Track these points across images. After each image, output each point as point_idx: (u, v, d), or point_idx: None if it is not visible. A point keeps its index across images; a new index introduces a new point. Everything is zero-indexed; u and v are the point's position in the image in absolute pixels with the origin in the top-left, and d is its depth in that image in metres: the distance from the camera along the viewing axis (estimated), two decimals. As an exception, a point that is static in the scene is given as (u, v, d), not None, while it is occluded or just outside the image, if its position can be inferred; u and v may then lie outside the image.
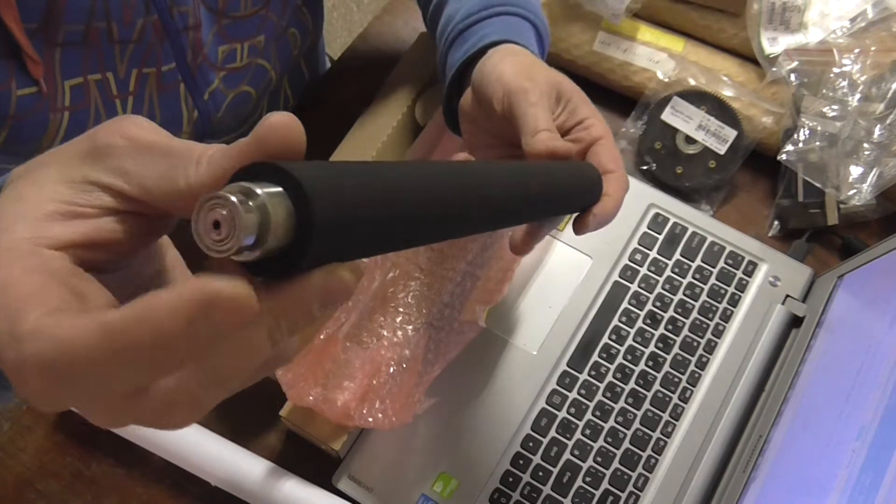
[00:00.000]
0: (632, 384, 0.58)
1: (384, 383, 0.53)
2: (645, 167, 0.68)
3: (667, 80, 0.69)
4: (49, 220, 0.22)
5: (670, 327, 0.60)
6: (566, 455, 0.56)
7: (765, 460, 0.54)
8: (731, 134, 0.67)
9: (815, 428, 0.50)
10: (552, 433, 0.57)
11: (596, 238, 0.63)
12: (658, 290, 0.62)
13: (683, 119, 0.67)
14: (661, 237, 0.63)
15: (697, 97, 0.68)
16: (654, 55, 0.70)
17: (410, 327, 0.56)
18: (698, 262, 0.63)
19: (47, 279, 0.21)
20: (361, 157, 0.60)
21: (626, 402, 0.58)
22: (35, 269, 0.21)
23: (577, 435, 0.57)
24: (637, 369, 0.59)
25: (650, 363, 0.59)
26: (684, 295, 0.61)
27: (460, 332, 0.56)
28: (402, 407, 0.52)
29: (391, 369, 0.53)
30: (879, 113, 0.63)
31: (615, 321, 0.60)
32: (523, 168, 0.36)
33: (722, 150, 0.67)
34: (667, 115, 0.68)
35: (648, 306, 0.61)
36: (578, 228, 0.43)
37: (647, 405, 0.58)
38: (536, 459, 0.56)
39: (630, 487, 0.56)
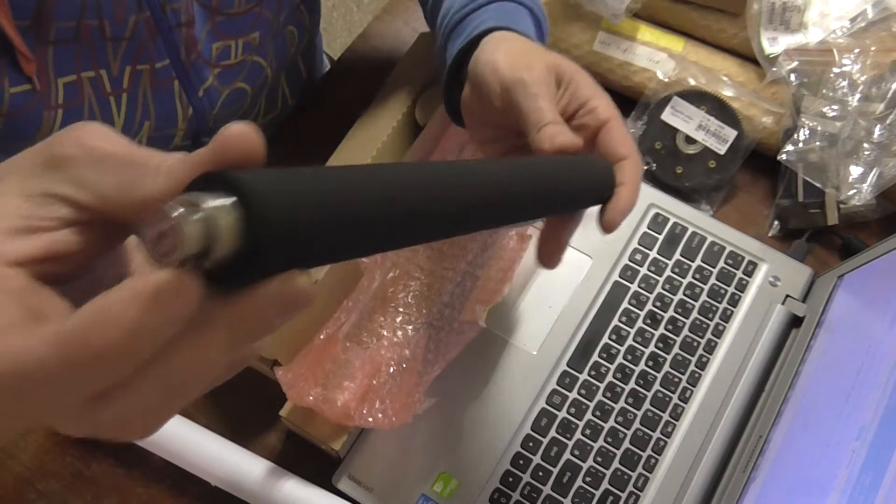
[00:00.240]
0: (632, 384, 0.58)
1: (384, 383, 0.53)
2: (645, 167, 0.68)
3: (667, 80, 0.69)
4: (7, 237, 0.22)
5: (670, 327, 0.60)
6: (566, 455, 0.56)
7: (765, 460, 0.54)
8: (731, 134, 0.67)
9: (815, 428, 0.50)
10: (552, 433, 0.57)
11: (596, 238, 0.63)
12: (658, 290, 0.62)
13: (683, 119, 0.67)
14: (661, 237, 0.63)
15: (697, 97, 0.68)
16: (654, 55, 0.70)
17: (410, 327, 0.56)
18: (698, 262, 0.63)
19: (1, 298, 0.21)
20: (361, 158, 0.59)
21: (626, 402, 0.58)
22: None
23: (577, 435, 0.57)
24: (637, 369, 0.59)
25: (650, 363, 0.59)
26: (684, 295, 0.61)
27: (460, 332, 0.56)
28: (402, 407, 0.52)
29: (391, 369, 0.53)
30: (879, 113, 0.63)
31: (615, 321, 0.60)
32: (513, 168, 0.35)
33: (722, 150, 0.67)
34: (667, 115, 0.68)
35: (648, 306, 0.61)
36: (607, 227, 0.40)
37: (647, 405, 0.58)
38: (536, 459, 0.56)
39: (630, 487, 0.56)
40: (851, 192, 0.62)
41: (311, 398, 0.51)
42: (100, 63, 0.49)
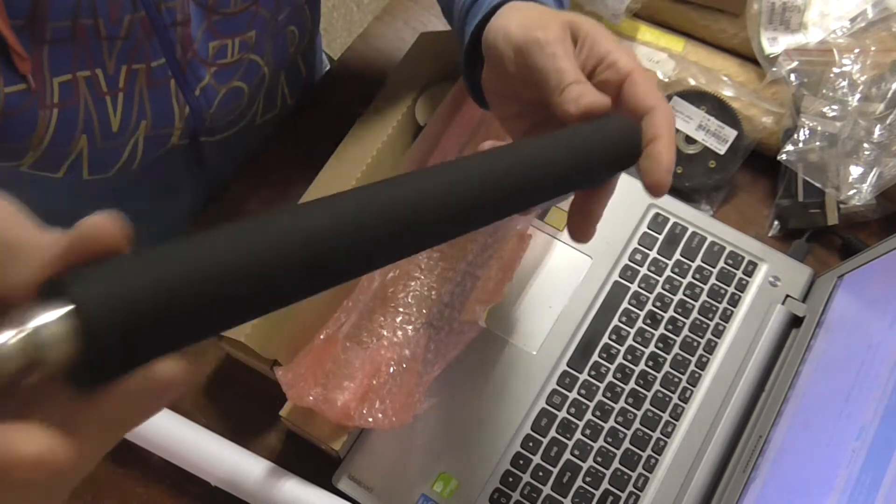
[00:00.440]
0: (632, 384, 0.58)
1: (384, 383, 0.53)
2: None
3: (667, 80, 0.69)
4: None
5: (670, 327, 0.60)
6: (566, 455, 0.56)
7: (765, 460, 0.54)
8: (731, 134, 0.67)
9: (815, 428, 0.50)
10: (552, 433, 0.57)
11: (596, 238, 0.63)
12: (658, 290, 0.62)
13: (683, 119, 0.67)
14: (661, 237, 0.63)
15: (697, 97, 0.68)
16: (654, 55, 0.70)
17: (410, 327, 0.56)
18: (698, 262, 0.63)
19: None
20: (361, 158, 0.59)
21: (626, 402, 0.58)
22: None
23: (577, 435, 0.57)
24: (637, 369, 0.59)
25: (650, 363, 0.59)
26: (684, 295, 0.61)
27: (460, 332, 0.56)
28: (402, 407, 0.52)
29: (391, 369, 0.53)
30: (879, 113, 0.63)
31: (615, 321, 0.60)
32: (486, 165, 0.32)
33: (722, 150, 0.67)
34: (667, 115, 0.68)
35: (648, 306, 0.61)
36: (656, 189, 0.37)
37: (647, 405, 0.58)
38: (536, 459, 0.56)
39: (630, 487, 0.56)
40: (851, 192, 0.62)
41: (311, 398, 0.51)
42: (95, 62, 0.49)
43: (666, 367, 0.59)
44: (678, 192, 0.67)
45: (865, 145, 0.63)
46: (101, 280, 0.21)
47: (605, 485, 0.56)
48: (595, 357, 0.59)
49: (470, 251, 0.59)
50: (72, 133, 0.51)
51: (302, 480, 0.53)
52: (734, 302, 0.61)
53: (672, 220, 0.64)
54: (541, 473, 0.56)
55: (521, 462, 0.56)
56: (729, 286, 0.62)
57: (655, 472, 0.56)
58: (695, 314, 0.61)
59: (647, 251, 0.63)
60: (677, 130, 0.68)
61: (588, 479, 0.56)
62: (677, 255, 0.63)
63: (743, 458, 0.56)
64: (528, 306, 0.61)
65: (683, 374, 0.59)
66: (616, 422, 0.57)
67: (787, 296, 0.62)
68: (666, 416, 0.58)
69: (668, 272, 0.62)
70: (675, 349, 0.60)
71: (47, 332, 0.20)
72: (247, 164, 0.68)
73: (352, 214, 0.26)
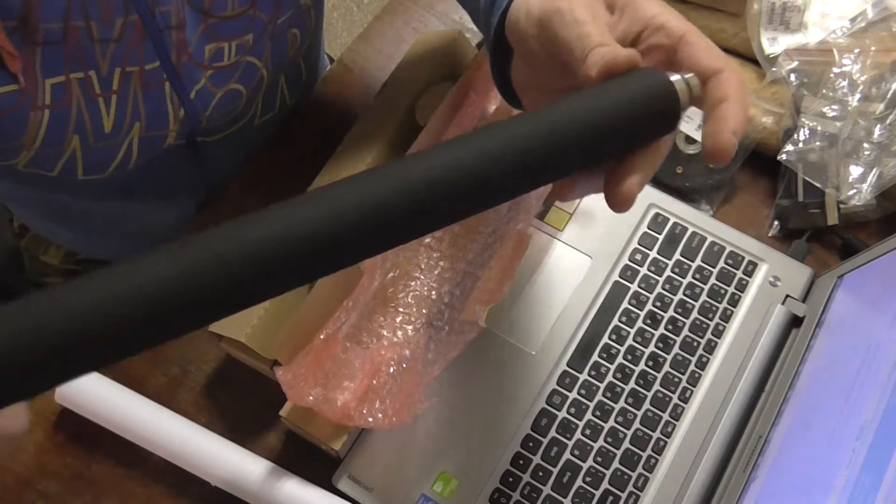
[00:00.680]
0: (632, 384, 0.58)
1: (384, 383, 0.53)
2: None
3: (667, 80, 0.69)
4: None
5: (670, 327, 0.60)
6: (566, 455, 0.56)
7: (765, 460, 0.54)
8: (731, 134, 0.67)
9: (816, 428, 0.50)
10: (552, 433, 0.57)
11: (596, 238, 0.63)
12: (658, 290, 0.62)
13: (683, 119, 0.67)
14: (661, 237, 0.63)
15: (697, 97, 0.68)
16: (654, 55, 0.70)
17: (410, 327, 0.56)
18: (698, 262, 0.63)
19: None
20: (361, 159, 0.59)
21: (626, 402, 0.58)
22: None
23: (577, 435, 0.57)
24: (637, 369, 0.59)
25: (650, 363, 0.59)
26: (684, 295, 0.61)
27: (460, 332, 0.56)
28: (402, 407, 0.52)
29: (391, 369, 0.53)
30: (879, 113, 0.63)
31: (615, 321, 0.60)
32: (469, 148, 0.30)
33: (722, 150, 0.66)
34: (667, 115, 0.68)
35: (648, 306, 0.61)
36: (718, 154, 0.33)
37: (647, 405, 0.58)
38: (536, 459, 0.56)
39: (630, 487, 0.56)
40: (851, 192, 0.62)
41: (311, 398, 0.51)
42: (89, 64, 0.49)
43: (666, 367, 0.59)
44: (678, 192, 0.67)
45: (865, 145, 0.63)
46: None
47: (605, 485, 0.56)
48: (595, 357, 0.59)
49: (470, 251, 0.59)
50: (64, 133, 0.51)
51: (302, 480, 0.53)
52: (734, 302, 0.61)
53: (672, 220, 0.64)
54: (541, 473, 0.56)
55: (521, 462, 0.56)
56: (729, 286, 0.62)
57: (655, 472, 0.56)
58: (695, 314, 0.61)
59: (647, 251, 0.63)
60: (678, 130, 0.67)
61: (588, 479, 0.56)
62: (677, 255, 0.63)
63: (743, 458, 0.56)
64: (528, 306, 0.61)
65: (683, 374, 0.59)
66: (616, 422, 0.57)
67: (787, 296, 0.62)
68: (666, 416, 0.58)
69: (668, 272, 0.62)
70: (675, 349, 0.60)
71: None
72: (246, 164, 0.68)
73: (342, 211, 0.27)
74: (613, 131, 0.32)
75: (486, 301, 0.57)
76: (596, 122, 0.32)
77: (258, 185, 0.67)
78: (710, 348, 0.60)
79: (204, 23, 0.53)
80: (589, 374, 0.59)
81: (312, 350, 0.53)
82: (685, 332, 0.60)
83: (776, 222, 0.67)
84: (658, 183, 0.67)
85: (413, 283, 0.57)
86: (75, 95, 0.50)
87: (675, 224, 0.64)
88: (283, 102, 0.69)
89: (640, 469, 0.56)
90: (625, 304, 0.61)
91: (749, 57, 0.70)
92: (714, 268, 0.62)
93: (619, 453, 0.56)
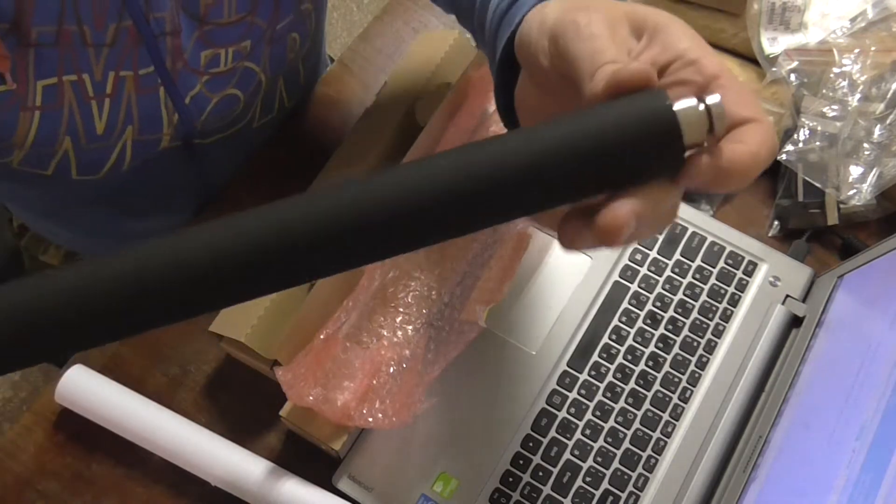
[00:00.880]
0: (632, 384, 0.58)
1: (384, 383, 0.53)
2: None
3: (667, 80, 0.69)
4: None
5: (670, 327, 0.60)
6: (566, 455, 0.56)
7: (765, 460, 0.54)
8: (731, 134, 0.67)
9: (816, 428, 0.50)
10: (552, 433, 0.57)
11: (596, 238, 0.63)
12: (658, 290, 0.62)
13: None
14: (661, 237, 0.63)
15: (697, 97, 0.68)
16: (654, 55, 0.70)
17: (410, 327, 0.56)
18: (698, 262, 0.63)
19: None
20: (362, 159, 0.59)
21: (626, 402, 0.58)
22: None
23: (577, 435, 0.57)
24: (637, 369, 0.59)
25: (650, 363, 0.59)
26: (684, 295, 0.61)
27: (460, 332, 0.56)
28: (402, 407, 0.52)
29: (391, 369, 0.53)
30: (879, 113, 0.63)
31: (615, 321, 0.60)
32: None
33: (722, 150, 0.66)
34: (667, 115, 0.68)
35: (648, 306, 0.61)
36: (716, 185, 0.28)
37: (647, 405, 0.58)
38: (536, 459, 0.56)
39: (630, 487, 0.56)
40: (851, 192, 0.62)
41: (311, 398, 0.51)
42: (83, 67, 0.49)
43: (666, 367, 0.59)
44: (678, 192, 0.67)
45: (865, 145, 0.63)
46: None
47: (605, 485, 0.56)
48: (595, 357, 0.59)
49: (470, 251, 0.59)
50: (55, 134, 0.51)
51: (302, 480, 0.53)
52: (734, 302, 0.61)
53: (672, 220, 0.64)
54: (541, 473, 0.56)
55: (521, 462, 0.56)
56: (729, 286, 0.62)
57: (655, 472, 0.56)
58: (695, 314, 0.61)
59: (646, 251, 0.63)
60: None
61: (588, 479, 0.56)
62: (677, 255, 0.63)
63: (743, 458, 0.56)
64: (528, 306, 0.61)
65: (683, 374, 0.59)
66: (616, 422, 0.57)
67: (787, 296, 0.62)
68: (666, 416, 0.58)
69: (668, 272, 0.62)
70: (675, 349, 0.60)
71: None
72: (246, 165, 0.68)
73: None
74: (590, 161, 0.27)
75: (486, 301, 0.57)
76: (568, 148, 0.27)
77: (258, 186, 0.67)
78: (710, 348, 0.60)
79: (199, 29, 0.53)
80: (589, 374, 0.59)
81: (312, 350, 0.53)
82: (685, 332, 0.60)
83: (776, 222, 0.67)
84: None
85: (413, 283, 0.57)
86: (67, 98, 0.49)
87: (675, 224, 0.64)
88: (282, 105, 0.69)
89: (640, 469, 0.56)
90: (625, 304, 0.61)
91: (749, 57, 0.70)
92: (714, 268, 0.62)
93: (619, 453, 0.56)
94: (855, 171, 0.63)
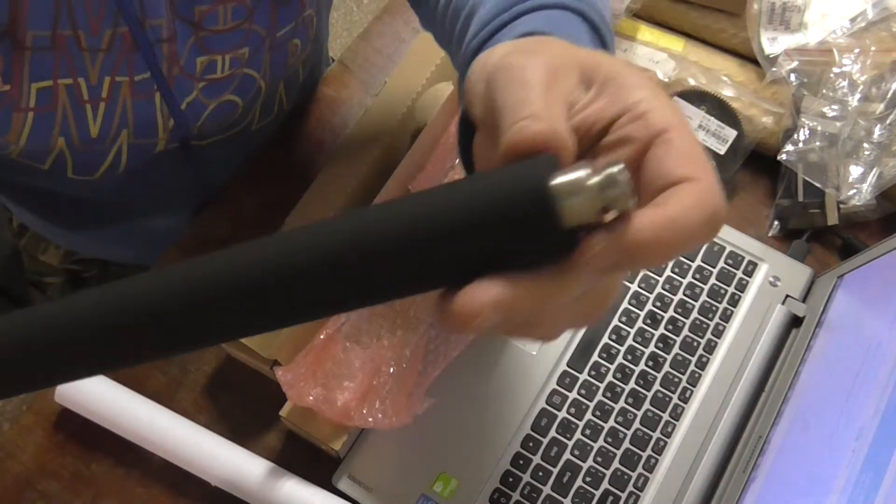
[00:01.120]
0: (632, 384, 0.58)
1: (384, 383, 0.53)
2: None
3: (667, 80, 0.69)
4: None
5: (670, 327, 0.60)
6: (566, 455, 0.56)
7: (765, 460, 0.54)
8: (731, 134, 0.67)
9: (816, 428, 0.50)
10: (552, 433, 0.57)
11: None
12: (658, 290, 0.62)
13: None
14: (661, 237, 0.63)
15: (697, 97, 0.68)
16: (654, 55, 0.70)
17: (411, 327, 0.56)
18: (698, 262, 0.63)
19: None
20: (361, 159, 0.59)
21: (626, 402, 0.58)
22: None
23: (577, 435, 0.57)
24: (637, 369, 0.59)
25: (650, 363, 0.59)
26: (684, 295, 0.61)
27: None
28: (402, 407, 0.52)
29: (391, 369, 0.53)
30: (879, 113, 0.63)
31: (615, 321, 0.60)
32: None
33: (722, 150, 0.66)
34: (667, 115, 0.68)
35: (648, 306, 0.61)
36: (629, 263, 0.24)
37: (647, 405, 0.58)
38: (536, 459, 0.56)
39: (630, 487, 0.56)
40: (851, 192, 0.62)
41: (311, 398, 0.51)
42: (78, 71, 0.48)
43: (666, 367, 0.59)
44: (678, 192, 0.67)
45: (865, 145, 0.63)
46: None
47: (605, 485, 0.56)
48: (595, 357, 0.59)
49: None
50: (48, 135, 0.51)
51: (302, 480, 0.53)
52: (734, 302, 0.61)
53: (672, 220, 0.64)
54: (541, 473, 0.56)
55: (521, 462, 0.56)
56: (729, 286, 0.62)
57: (655, 472, 0.56)
58: (695, 314, 0.61)
59: (647, 251, 0.63)
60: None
61: (588, 479, 0.56)
62: (677, 255, 0.63)
63: (743, 458, 0.56)
64: (528, 306, 0.61)
65: (683, 374, 0.59)
66: (616, 422, 0.57)
67: (787, 296, 0.62)
68: (666, 416, 0.58)
69: (667, 272, 0.62)
70: (675, 349, 0.60)
71: None
72: (246, 165, 0.68)
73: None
74: (452, 239, 0.23)
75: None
76: (430, 224, 0.23)
77: (258, 187, 0.67)
78: (710, 348, 0.60)
79: (195, 36, 0.52)
80: (589, 374, 0.59)
81: (312, 350, 0.53)
82: (685, 332, 0.60)
83: (776, 222, 0.67)
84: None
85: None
86: (61, 100, 0.49)
87: (675, 224, 0.64)
88: (281, 107, 0.69)
89: (640, 469, 0.56)
90: (625, 304, 0.61)
91: (749, 57, 0.70)
92: (714, 268, 0.62)
93: (619, 453, 0.56)
94: (855, 171, 0.63)
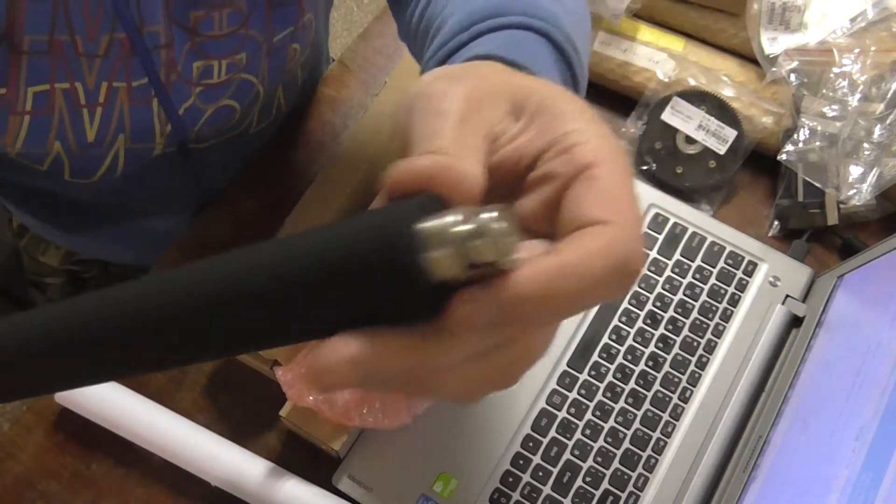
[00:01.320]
0: (632, 384, 0.58)
1: (384, 383, 0.53)
2: (645, 167, 0.68)
3: (667, 80, 0.69)
4: None
5: (670, 327, 0.60)
6: (566, 455, 0.56)
7: (765, 460, 0.54)
8: (731, 134, 0.67)
9: (816, 428, 0.50)
10: (552, 433, 0.57)
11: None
12: (658, 290, 0.62)
13: (683, 119, 0.67)
14: (661, 237, 0.63)
15: (697, 97, 0.68)
16: (654, 55, 0.70)
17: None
18: (698, 262, 0.63)
19: None
20: (360, 160, 0.59)
21: (626, 402, 0.58)
22: None
23: (577, 435, 0.57)
24: (637, 369, 0.59)
25: (650, 363, 0.59)
26: (684, 295, 0.61)
27: (460, 332, 0.56)
28: (402, 407, 0.52)
29: (391, 369, 0.53)
30: (879, 113, 0.63)
31: (615, 321, 0.60)
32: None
33: (722, 150, 0.67)
34: (667, 115, 0.68)
35: (648, 306, 0.61)
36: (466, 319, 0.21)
37: (647, 405, 0.58)
38: (536, 459, 0.56)
39: (630, 487, 0.56)
40: (851, 192, 0.62)
41: (311, 398, 0.51)
42: (75, 76, 0.48)
43: (666, 367, 0.59)
44: (678, 192, 0.67)
45: (865, 145, 0.63)
46: None
47: (605, 485, 0.56)
48: (595, 357, 0.59)
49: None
50: (45, 138, 0.51)
51: (302, 480, 0.53)
52: (734, 302, 0.61)
53: (672, 220, 0.64)
54: (541, 473, 0.56)
55: (521, 462, 0.56)
56: (729, 286, 0.62)
57: (655, 472, 0.56)
58: (695, 314, 0.61)
59: (646, 251, 0.63)
60: (677, 130, 0.67)
61: (588, 479, 0.56)
62: (677, 255, 0.63)
63: (743, 458, 0.56)
64: (528, 306, 0.61)
65: (683, 374, 0.59)
66: (616, 422, 0.57)
67: (787, 296, 0.62)
68: (666, 416, 0.58)
69: (668, 272, 0.62)
70: (675, 349, 0.60)
71: None
72: (245, 166, 0.68)
73: None
74: (307, 289, 0.21)
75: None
76: (286, 270, 0.21)
77: (257, 188, 0.67)
78: (710, 348, 0.60)
79: (190, 41, 0.52)
80: (589, 374, 0.59)
81: (312, 350, 0.53)
82: (685, 332, 0.60)
83: (776, 222, 0.67)
84: (658, 183, 0.67)
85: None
86: (58, 104, 0.49)
87: (675, 224, 0.64)
88: (280, 110, 0.69)
89: (640, 469, 0.56)
90: (625, 304, 0.61)
91: (749, 57, 0.70)
92: (714, 268, 0.62)
93: (619, 453, 0.56)
94: (855, 171, 0.63)
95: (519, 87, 0.26)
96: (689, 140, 0.67)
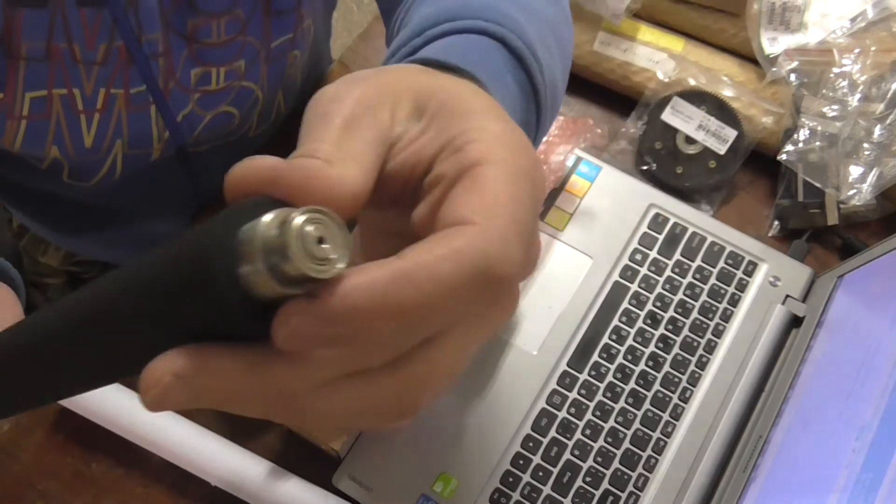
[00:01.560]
0: (632, 384, 0.58)
1: (384, 383, 0.53)
2: (645, 167, 0.68)
3: (667, 80, 0.69)
4: None
5: (670, 327, 0.60)
6: (566, 455, 0.56)
7: (765, 460, 0.54)
8: (731, 134, 0.67)
9: (816, 428, 0.50)
10: (552, 433, 0.57)
11: (596, 238, 0.63)
12: (658, 290, 0.62)
13: (683, 119, 0.67)
14: (661, 237, 0.63)
15: (697, 97, 0.68)
16: (654, 55, 0.70)
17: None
18: (698, 262, 0.63)
19: None
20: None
21: (626, 402, 0.58)
22: None
23: (578, 435, 0.57)
24: (637, 369, 0.59)
25: (650, 363, 0.59)
26: (684, 295, 0.61)
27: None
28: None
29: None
30: (879, 113, 0.63)
31: (615, 321, 0.60)
32: None
33: (722, 150, 0.67)
34: (667, 115, 0.68)
35: (648, 306, 0.61)
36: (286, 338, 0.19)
37: (647, 405, 0.58)
38: (536, 459, 0.56)
39: (630, 487, 0.56)
40: (851, 192, 0.62)
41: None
42: (73, 83, 0.48)
43: (666, 367, 0.59)
44: (678, 192, 0.67)
45: (865, 145, 0.63)
46: None
47: (605, 485, 0.56)
48: (595, 357, 0.59)
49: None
50: (42, 142, 0.51)
51: (302, 480, 0.53)
52: (734, 302, 0.61)
53: (672, 220, 0.64)
54: (541, 473, 0.56)
55: (521, 462, 0.56)
56: (729, 286, 0.62)
57: (655, 472, 0.56)
58: (695, 314, 0.61)
59: (647, 251, 0.63)
60: (677, 130, 0.67)
61: (588, 479, 0.56)
62: (677, 256, 0.63)
63: (743, 458, 0.56)
64: (528, 306, 0.61)
65: (683, 374, 0.59)
66: (616, 422, 0.57)
67: (787, 296, 0.62)
68: (666, 416, 0.58)
69: (668, 272, 0.62)
70: (675, 349, 0.60)
71: None
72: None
73: None
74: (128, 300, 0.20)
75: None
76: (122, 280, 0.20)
77: (258, 186, 0.67)
78: (710, 348, 0.60)
79: (188, 48, 0.52)
80: (589, 374, 0.59)
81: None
82: (685, 332, 0.60)
83: (776, 222, 0.67)
84: (658, 183, 0.67)
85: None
86: (55, 110, 0.49)
87: (675, 224, 0.64)
88: (279, 114, 0.69)
89: (640, 469, 0.56)
90: (625, 305, 0.61)
91: (749, 57, 0.70)
92: (714, 268, 0.62)
93: (619, 453, 0.56)
94: (855, 171, 0.63)
95: (422, 87, 0.25)
96: (689, 140, 0.67)
